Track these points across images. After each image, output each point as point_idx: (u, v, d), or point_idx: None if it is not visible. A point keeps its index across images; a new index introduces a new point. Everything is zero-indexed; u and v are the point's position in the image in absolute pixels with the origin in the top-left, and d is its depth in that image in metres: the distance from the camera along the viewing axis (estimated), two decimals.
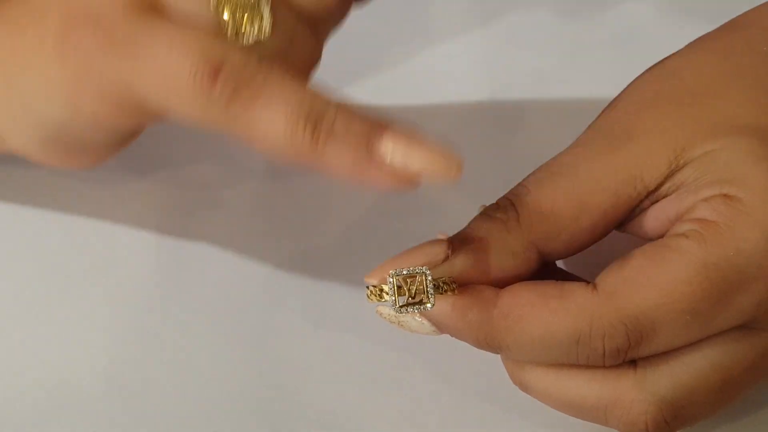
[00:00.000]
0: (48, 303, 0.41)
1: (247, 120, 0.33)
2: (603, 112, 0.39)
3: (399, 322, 0.36)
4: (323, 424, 0.39)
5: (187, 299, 0.42)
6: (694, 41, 0.39)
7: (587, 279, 0.35)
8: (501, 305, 0.34)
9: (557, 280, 0.35)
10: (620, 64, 0.42)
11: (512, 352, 0.35)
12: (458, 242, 0.35)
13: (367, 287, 0.35)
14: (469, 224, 0.36)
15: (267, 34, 0.34)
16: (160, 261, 0.43)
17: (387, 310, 0.35)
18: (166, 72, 0.33)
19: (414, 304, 0.34)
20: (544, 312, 0.33)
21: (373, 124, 0.33)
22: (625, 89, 0.39)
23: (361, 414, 0.39)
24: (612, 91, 0.39)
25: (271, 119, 0.33)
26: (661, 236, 0.35)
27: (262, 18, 0.34)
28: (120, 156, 0.40)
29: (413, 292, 0.34)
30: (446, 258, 0.35)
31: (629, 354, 0.34)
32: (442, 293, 0.34)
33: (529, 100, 0.47)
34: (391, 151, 0.33)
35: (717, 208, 0.34)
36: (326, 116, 0.33)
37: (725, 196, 0.34)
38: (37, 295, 0.42)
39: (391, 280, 0.34)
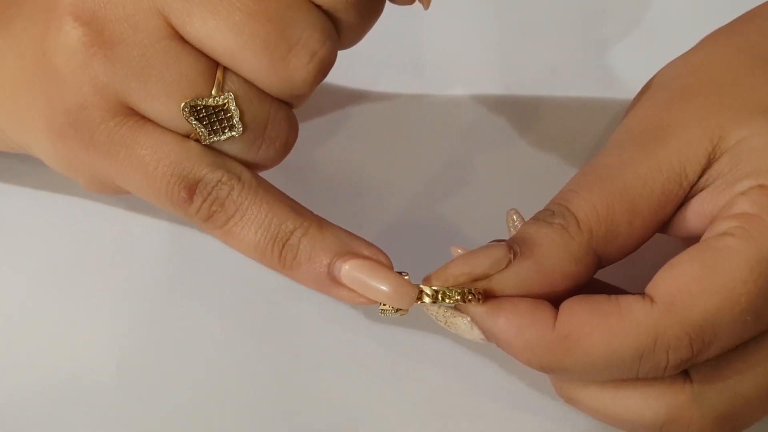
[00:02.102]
0: (59, 296, 0.41)
1: (223, 234, 0.36)
2: (631, 110, 0.38)
3: (448, 322, 0.35)
4: (335, 416, 0.39)
5: (199, 292, 0.41)
6: (712, 34, 0.39)
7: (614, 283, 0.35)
8: (559, 327, 0.33)
9: (597, 289, 0.34)
10: (635, 57, 0.42)
11: (570, 374, 0.34)
12: (518, 247, 0.34)
13: (422, 289, 0.34)
14: (524, 229, 0.35)
15: (240, 132, 0.35)
16: (172, 254, 0.42)
17: (436, 309, 0.35)
18: (145, 182, 0.35)
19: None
20: (606, 332, 0.32)
21: (336, 251, 0.35)
22: (648, 86, 0.39)
23: (372, 406, 0.39)
24: (627, 85, 0.39)
25: (242, 241, 0.35)
26: (701, 232, 0.35)
27: (232, 117, 0.34)
28: None
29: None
30: (509, 263, 0.34)
31: (690, 362, 0.33)
32: (467, 302, 0.34)
33: (543, 95, 0.47)
34: (350, 279, 0.35)
35: (757, 200, 0.33)
36: (291, 242, 0.35)
37: (762, 186, 0.34)
38: (48, 287, 0.41)
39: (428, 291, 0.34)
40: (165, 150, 0.35)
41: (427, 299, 0.34)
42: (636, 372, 0.33)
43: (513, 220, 0.36)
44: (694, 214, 0.35)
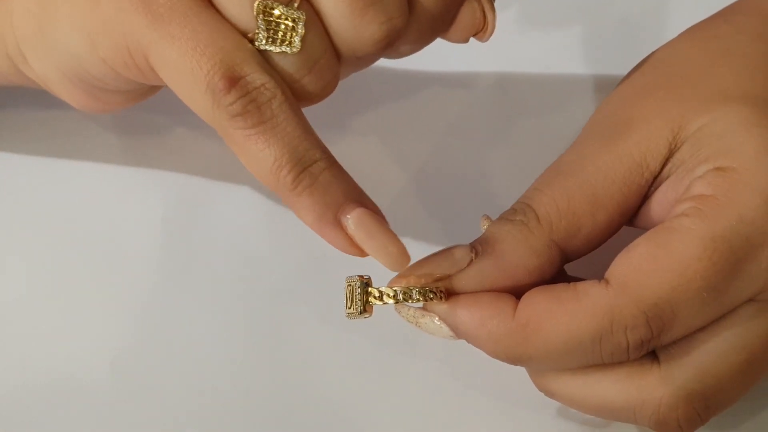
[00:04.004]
0: (52, 293, 0.42)
1: (243, 140, 0.34)
2: (597, 109, 0.39)
3: (417, 323, 0.36)
4: (330, 414, 0.39)
5: (194, 290, 0.42)
6: (682, 32, 0.40)
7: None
8: (518, 316, 0.34)
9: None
10: (628, 49, 0.42)
11: (534, 362, 0.35)
12: (480, 246, 0.35)
13: (378, 290, 0.35)
14: (488, 229, 0.36)
15: (295, 51, 0.34)
16: (167, 252, 0.43)
17: (406, 310, 0.36)
18: (184, 61, 0.34)
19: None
20: (563, 316, 0.33)
21: (352, 194, 0.35)
22: (616, 87, 0.39)
23: (368, 404, 0.40)
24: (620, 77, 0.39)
25: (263, 150, 0.34)
26: None
27: (296, 34, 0.34)
28: (127, 139, 0.42)
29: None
30: (470, 262, 0.35)
31: (652, 343, 0.33)
32: (428, 300, 0.35)
33: (535, 87, 0.48)
34: (355, 226, 0.35)
35: (712, 181, 0.34)
36: (313, 169, 0.34)
37: (719, 168, 0.34)
38: (41, 285, 0.42)
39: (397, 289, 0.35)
40: (220, 35, 0.34)
41: (390, 300, 0.35)
42: (600, 356, 0.33)
43: (485, 225, 0.37)
44: (659, 205, 0.36)
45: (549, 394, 0.36)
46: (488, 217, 0.37)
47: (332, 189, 0.35)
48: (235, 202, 0.44)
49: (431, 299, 0.35)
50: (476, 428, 0.39)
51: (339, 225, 0.35)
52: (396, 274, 0.36)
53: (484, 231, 0.36)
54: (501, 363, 0.35)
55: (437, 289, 0.35)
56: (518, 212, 0.36)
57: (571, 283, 0.34)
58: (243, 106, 0.34)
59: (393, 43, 0.36)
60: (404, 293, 0.35)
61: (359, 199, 0.35)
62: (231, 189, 0.45)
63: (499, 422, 0.39)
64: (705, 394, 0.34)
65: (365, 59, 0.38)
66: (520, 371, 0.37)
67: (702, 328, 0.34)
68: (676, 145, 0.35)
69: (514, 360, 0.35)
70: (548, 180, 0.36)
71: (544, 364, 0.35)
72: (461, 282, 0.35)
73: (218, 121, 0.34)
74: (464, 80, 0.48)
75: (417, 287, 0.35)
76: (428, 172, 0.45)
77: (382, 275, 0.36)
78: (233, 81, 0.34)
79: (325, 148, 0.35)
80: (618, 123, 0.37)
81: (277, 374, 0.40)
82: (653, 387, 0.34)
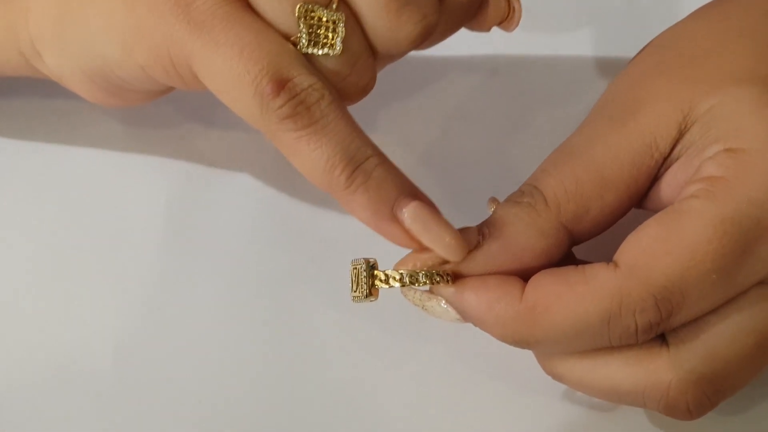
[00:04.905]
0: (55, 278, 0.42)
1: (294, 142, 0.34)
2: (606, 90, 0.38)
3: (424, 306, 0.36)
4: (336, 397, 0.39)
5: (199, 276, 0.42)
6: (691, 13, 0.39)
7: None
8: (526, 299, 0.34)
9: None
10: (636, 32, 0.42)
11: (542, 346, 0.34)
12: (488, 229, 0.35)
13: (384, 273, 0.35)
14: (495, 212, 0.35)
15: (337, 52, 0.35)
16: (171, 236, 0.43)
17: (412, 294, 0.36)
18: (231, 67, 0.34)
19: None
20: (571, 299, 0.33)
21: (405, 188, 0.35)
22: (625, 69, 0.39)
23: (373, 387, 0.40)
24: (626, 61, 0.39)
25: (315, 150, 0.34)
26: None
27: (337, 35, 0.35)
28: (131, 127, 0.42)
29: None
30: (477, 245, 0.34)
31: (661, 326, 0.33)
32: (435, 283, 0.35)
33: (543, 71, 0.47)
34: (411, 220, 0.34)
35: (722, 162, 0.33)
36: (365, 166, 0.34)
37: (729, 150, 0.34)
38: (44, 270, 0.42)
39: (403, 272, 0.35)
40: (266, 38, 0.34)
41: (396, 283, 0.35)
42: (608, 338, 0.33)
43: (492, 207, 0.37)
44: (669, 186, 0.36)
45: (556, 377, 0.36)
46: (495, 200, 0.37)
47: (386, 184, 0.34)
48: (239, 189, 0.44)
49: (438, 282, 0.35)
50: (483, 411, 0.39)
51: (395, 220, 0.34)
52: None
53: (491, 213, 0.36)
54: (508, 346, 0.35)
55: (444, 272, 0.35)
56: (526, 194, 0.35)
57: (579, 266, 0.34)
58: (293, 108, 0.34)
59: (426, 38, 0.36)
60: (410, 276, 0.35)
61: (413, 192, 0.35)
62: (236, 176, 0.44)
63: (506, 405, 0.39)
64: (714, 378, 0.34)
65: (399, 54, 0.38)
66: (527, 354, 0.37)
67: (711, 311, 0.34)
68: (686, 126, 0.35)
69: (521, 343, 0.34)
70: (556, 161, 0.36)
71: (551, 347, 0.35)
72: (468, 265, 0.35)
73: (267, 125, 0.34)
74: (471, 64, 0.48)
75: (423, 270, 0.35)
76: (434, 154, 0.45)
77: (387, 258, 0.36)
78: (281, 84, 0.33)
79: (375, 145, 0.35)
80: (627, 104, 0.36)
81: (283, 359, 0.40)
82: (662, 371, 0.34)
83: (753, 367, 0.34)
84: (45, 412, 0.39)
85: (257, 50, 0.34)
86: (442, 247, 0.34)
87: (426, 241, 0.34)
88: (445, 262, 0.35)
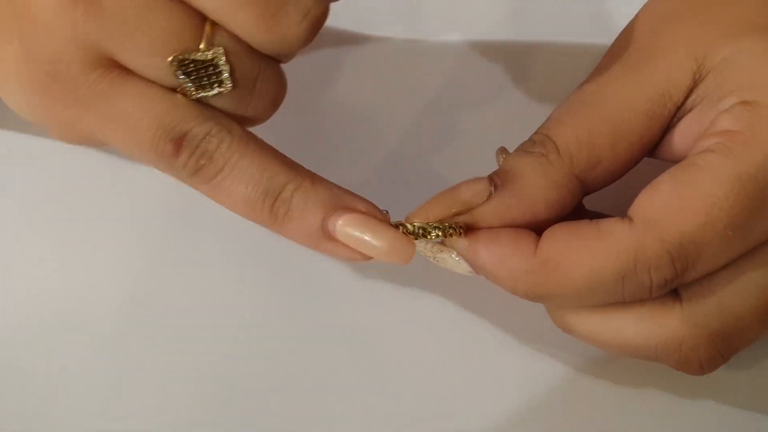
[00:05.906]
0: (60, 230, 0.42)
1: (211, 189, 0.34)
2: (618, 37, 0.38)
3: (435, 257, 0.35)
4: (344, 343, 0.39)
5: (205, 228, 0.42)
6: None
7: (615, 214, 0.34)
8: (540, 253, 0.33)
9: (586, 218, 0.34)
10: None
11: (555, 300, 0.34)
12: (500, 179, 0.34)
13: (403, 225, 0.34)
14: (505, 161, 0.35)
15: (229, 88, 0.33)
16: (179, 198, 0.42)
17: (424, 245, 0.35)
18: (128, 135, 0.33)
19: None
20: (586, 254, 0.33)
21: (331, 203, 0.34)
22: (637, 14, 0.38)
23: (381, 335, 0.40)
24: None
25: (233, 192, 0.34)
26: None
27: (221, 73, 0.33)
28: None
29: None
30: (490, 195, 0.34)
31: (676, 282, 0.33)
32: (447, 235, 0.34)
33: (540, 42, 0.47)
34: (345, 234, 0.34)
35: (738, 116, 0.33)
36: (284, 195, 0.34)
37: (744, 102, 0.33)
38: (49, 222, 0.42)
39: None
40: (150, 102, 0.33)
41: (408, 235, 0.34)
42: (622, 294, 0.33)
43: (501, 158, 0.36)
44: (682, 136, 0.35)
45: (567, 330, 0.36)
46: (505, 149, 0.36)
47: (309, 207, 0.34)
48: None
49: (450, 235, 0.34)
50: (490, 361, 0.39)
51: (331, 238, 0.34)
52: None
53: (500, 164, 0.35)
54: (517, 298, 0.35)
55: (456, 224, 0.34)
56: (537, 144, 0.35)
57: (594, 221, 0.33)
58: (196, 162, 0.33)
59: (320, 27, 0.34)
60: (423, 228, 0.34)
61: (341, 204, 0.34)
62: None
63: (514, 356, 0.39)
64: (727, 333, 0.34)
65: (297, 52, 0.36)
66: (537, 305, 0.37)
67: (725, 267, 0.33)
68: (700, 76, 0.34)
69: (534, 297, 0.34)
70: (568, 110, 0.35)
71: (564, 302, 0.34)
72: (481, 216, 0.34)
73: (185, 181, 0.34)
74: (468, 32, 0.47)
75: (436, 222, 0.34)
76: (424, 127, 0.44)
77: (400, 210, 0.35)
78: (179, 141, 0.33)
79: (291, 164, 0.34)
80: (641, 51, 0.36)
81: (292, 307, 0.40)
82: (675, 326, 0.34)
83: (765, 322, 0.34)
84: (48, 367, 0.39)
85: (145, 116, 0.33)
86: (383, 255, 0.34)
87: (367, 252, 0.34)
88: (458, 214, 0.34)
